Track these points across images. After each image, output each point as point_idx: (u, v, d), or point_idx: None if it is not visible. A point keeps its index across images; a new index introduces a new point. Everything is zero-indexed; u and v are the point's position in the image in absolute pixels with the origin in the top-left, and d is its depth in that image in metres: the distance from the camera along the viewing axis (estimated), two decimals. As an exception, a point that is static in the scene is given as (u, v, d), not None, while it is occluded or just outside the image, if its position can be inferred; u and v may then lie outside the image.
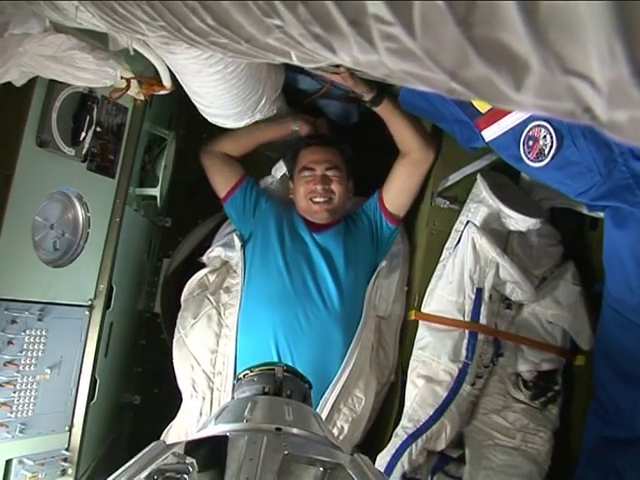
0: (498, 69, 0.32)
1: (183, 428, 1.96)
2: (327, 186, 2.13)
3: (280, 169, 2.31)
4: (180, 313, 2.10)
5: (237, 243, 2.12)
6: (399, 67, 0.39)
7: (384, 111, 2.13)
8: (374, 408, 2.11)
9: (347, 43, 0.40)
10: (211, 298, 2.09)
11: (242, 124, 1.98)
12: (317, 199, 2.13)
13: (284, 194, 2.30)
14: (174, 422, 2.00)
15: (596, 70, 0.29)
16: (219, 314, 2.04)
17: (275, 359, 1.90)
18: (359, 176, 2.29)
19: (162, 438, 1.97)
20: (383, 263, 2.15)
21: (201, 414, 1.92)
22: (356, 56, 0.41)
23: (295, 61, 0.52)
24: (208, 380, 1.95)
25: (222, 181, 2.24)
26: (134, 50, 1.50)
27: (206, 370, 1.96)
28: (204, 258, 2.24)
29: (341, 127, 2.63)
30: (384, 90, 2.14)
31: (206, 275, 2.17)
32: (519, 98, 0.34)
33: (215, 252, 2.20)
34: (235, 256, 2.14)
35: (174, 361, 2.01)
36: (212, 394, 1.94)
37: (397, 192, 2.18)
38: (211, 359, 1.97)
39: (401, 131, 2.15)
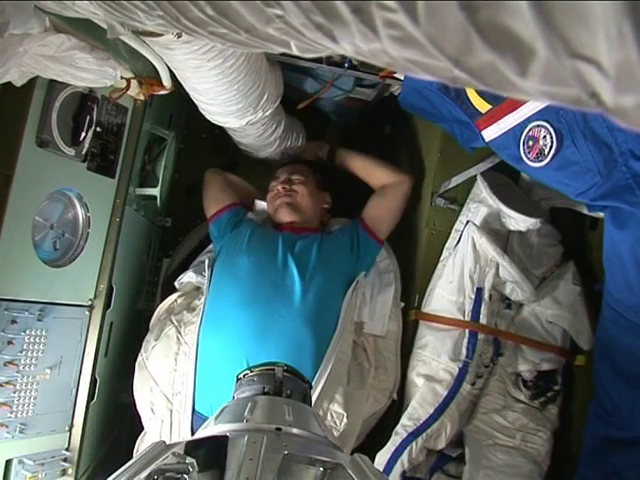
0: (503, 55, 0.32)
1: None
2: (288, 186, 2.20)
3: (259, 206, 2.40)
4: (145, 337, 2.04)
5: (206, 263, 2.12)
6: (402, 55, 0.38)
7: (343, 159, 2.31)
8: (367, 426, 2.07)
9: (349, 32, 0.40)
10: (173, 319, 2.04)
11: (244, 122, 1.97)
12: (279, 196, 2.20)
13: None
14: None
15: (603, 53, 0.28)
16: (178, 332, 1.98)
17: (244, 363, 1.79)
18: (345, 198, 2.36)
19: (137, 443, 1.97)
20: (362, 275, 2.11)
21: (160, 437, 1.85)
22: (358, 45, 0.41)
23: (295, 51, 0.52)
24: (167, 402, 1.88)
25: (215, 199, 2.30)
26: (134, 50, 1.50)
27: (165, 392, 1.89)
28: (176, 284, 2.21)
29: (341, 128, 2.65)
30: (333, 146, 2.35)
31: (175, 300, 2.13)
32: (524, 84, 0.33)
33: (186, 277, 2.17)
34: (206, 280, 2.09)
35: (134, 384, 1.95)
36: (171, 416, 1.87)
37: (377, 218, 2.22)
38: (169, 379, 1.90)
39: (367, 172, 2.28)
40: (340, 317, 1.97)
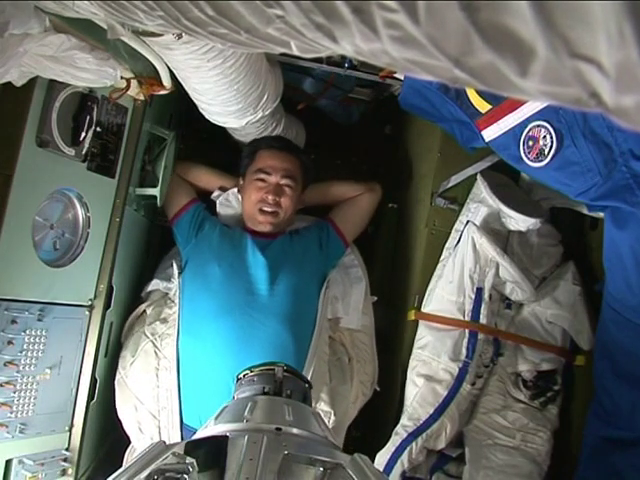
0: (503, 55, 0.32)
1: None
2: (278, 198, 2.10)
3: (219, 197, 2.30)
4: (121, 353, 1.99)
5: (175, 270, 2.07)
6: (402, 55, 0.38)
7: (309, 197, 2.27)
8: (349, 418, 2.09)
9: (349, 32, 0.40)
10: (147, 332, 1.98)
11: (244, 122, 1.97)
12: (265, 208, 2.10)
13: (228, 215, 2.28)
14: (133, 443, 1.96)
15: (604, 53, 0.28)
16: (155, 346, 1.94)
17: (228, 373, 1.75)
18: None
19: (126, 457, 1.96)
20: (333, 273, 2.14)
21: None
22: (358, 45, 0.41)
23: (295, 51, 0.52)
24: (153, 419, 1.87)
25: (172, 201, 2.23)
26: (134, 50, 1.50)
27: (150, 409, 1.88)
28: (142, 294, 2.15)
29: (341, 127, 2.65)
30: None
31: (145, 310, 2.09)
32: (524, 85, 0.33)
33: (152, 285, 2.12)
34: (174, 286, 2.06)
35: (117, 404, 1.92)
36: (160, 432, 1.86)
37: (348, 223, 2.25)
38: (153, 396, 1.88)
39: (338, 194, 2.30)
40: (317, 316, 1.99)
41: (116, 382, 1.93)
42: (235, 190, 2.26)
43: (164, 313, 2.05)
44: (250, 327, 1.86)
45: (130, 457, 1.95)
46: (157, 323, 2.01)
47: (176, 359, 1.89)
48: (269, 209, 2.10)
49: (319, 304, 2.02)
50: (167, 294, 2.11)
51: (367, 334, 2.19)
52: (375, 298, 2.25)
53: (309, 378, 1.79)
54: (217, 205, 2.28)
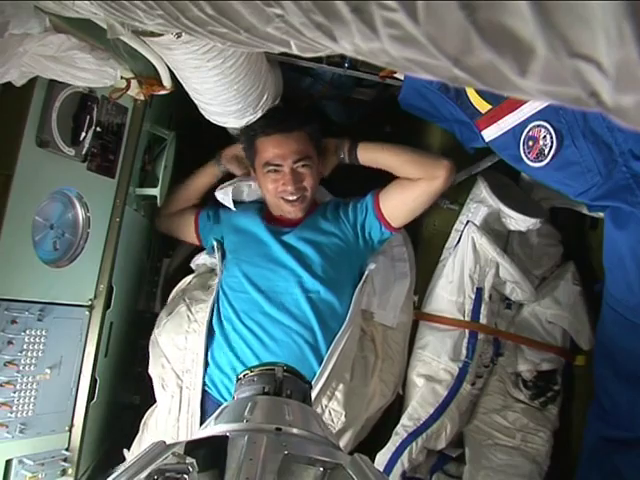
0: (502, 54, 0.32)
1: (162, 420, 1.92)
2: (299, 184, 1.94)
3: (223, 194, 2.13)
4: (159, 314, 2.08)
5: (215, 248, 2.13)
6: (401, 54, 0.38)
7: (368, 158, 1.99)
8: (371, 420, 2.04)
9: (349, 31, 0.40)
10: (185, 296, 2.06)
11: (244, 122, 1.97)
12: (289, 197, 1.96)
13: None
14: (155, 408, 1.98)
15: (603, 52, 0.28)
16: (189, 310, 1.98)
17: (242, 368, 1.80)
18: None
19: (146, 416, 1.99)
20: (372, 266, 1.99)
21: (170, 412, 1.87)
22: (358, 44, 0.41)
23: (295, 50, 0.52)
24: (177, 378, 1.89)
25: (186, 233, 2.25)
26: (134, 50, 1.50)
27: (175, 368, 1.91)
28: (192, 265, 2.25)
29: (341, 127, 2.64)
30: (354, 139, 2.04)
31: (190, 281, 2.18)
32: (524, 84, 0.33)
33: (201, 259, 2.23)
34: (218, 262, 2.12)
35: (149, 361, 1.98)
36: (181, 392, 1.87)
37: (394, 207, 1.98)
38: (180, 357, 1.91)
39: (398, 169, 1.95)
40: (348, 312, 1.89)
41: (150, 341, 2.01)
42: (228, 188, 2.12)
43: (207, 284, 2.13)
44: (272, 327, 1.85)
45: (150, 418, 1.97)
46: (197, 291, 2.09)
47: (207, 325, 1.93)
48: (293, 197, 1.97)
49: (352, 302, 1.91)
50: (213, 270, 2.20)
51: (402, 333, 2.09)
52: (416, 297, 2.15)
53: (327, 375, 1.79)
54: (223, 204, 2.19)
